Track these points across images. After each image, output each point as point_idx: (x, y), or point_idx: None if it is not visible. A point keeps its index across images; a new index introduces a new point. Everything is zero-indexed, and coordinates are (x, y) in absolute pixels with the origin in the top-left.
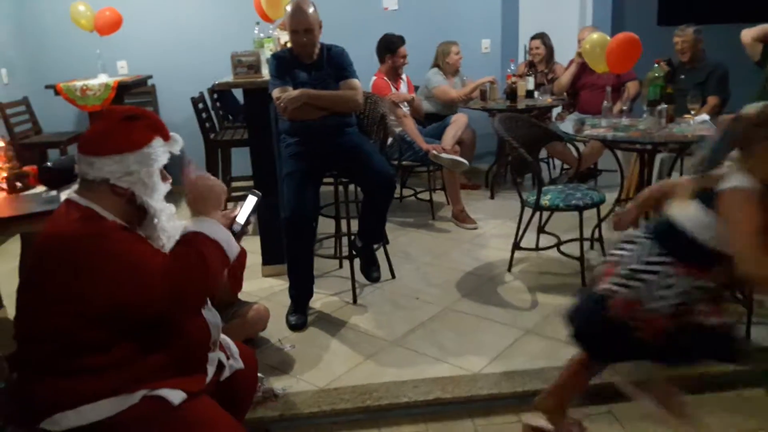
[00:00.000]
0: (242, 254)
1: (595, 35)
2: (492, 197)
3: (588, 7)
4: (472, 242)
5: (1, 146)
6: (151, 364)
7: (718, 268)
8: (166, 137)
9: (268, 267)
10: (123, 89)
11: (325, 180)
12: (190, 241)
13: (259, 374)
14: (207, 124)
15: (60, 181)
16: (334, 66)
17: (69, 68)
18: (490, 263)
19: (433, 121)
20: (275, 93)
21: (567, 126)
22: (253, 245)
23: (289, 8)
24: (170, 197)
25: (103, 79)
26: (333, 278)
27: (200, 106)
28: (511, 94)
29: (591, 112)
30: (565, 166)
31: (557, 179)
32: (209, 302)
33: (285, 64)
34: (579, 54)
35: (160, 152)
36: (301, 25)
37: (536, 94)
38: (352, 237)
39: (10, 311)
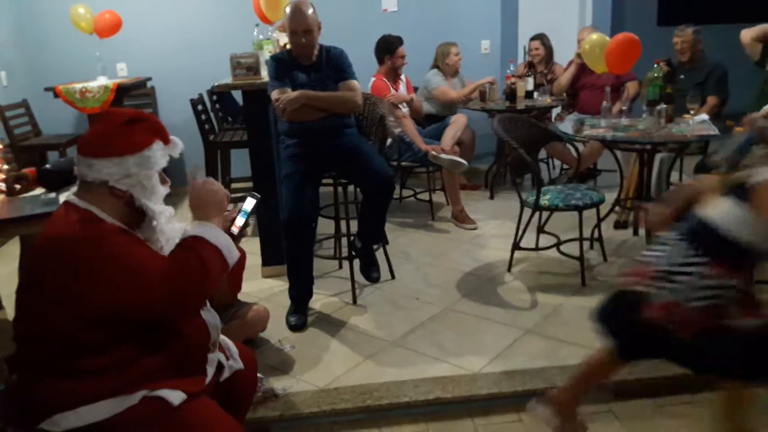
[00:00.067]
0: (242, 255)
1: (595, 36)
2: (491, 197)
3: (587, 8)
4: (471, 242)
5: (0, 148)
6: (150, 365)
7: (752, 266)
8: (166, 141)
9: (268, 268)
10: (122, 91)
11: (325, 181)
12: (190, 244)
13: (258, 374)
14: (206, 126)
15: (59, 183)
16: (333, 67)
17: (68, 70)
18: (489, 263)
19: (433, 121)
20: (274, 94)
21: (566, 126)
22: (252, 246)
23: (288, 9)
24: (169, 199)
25: (102, 81)
26: (333, 279)
27: (199, 107)
28: (511, 94)
29: (590, 113)
30: (565, 167)
31: (557, 179)
32: (208, 303)
33: (284, 65)
34: (578, 55)
35: (159, 155)
36: (301, 26)
37: (536, 94)
38: (352, 238)
39: (10, 313)
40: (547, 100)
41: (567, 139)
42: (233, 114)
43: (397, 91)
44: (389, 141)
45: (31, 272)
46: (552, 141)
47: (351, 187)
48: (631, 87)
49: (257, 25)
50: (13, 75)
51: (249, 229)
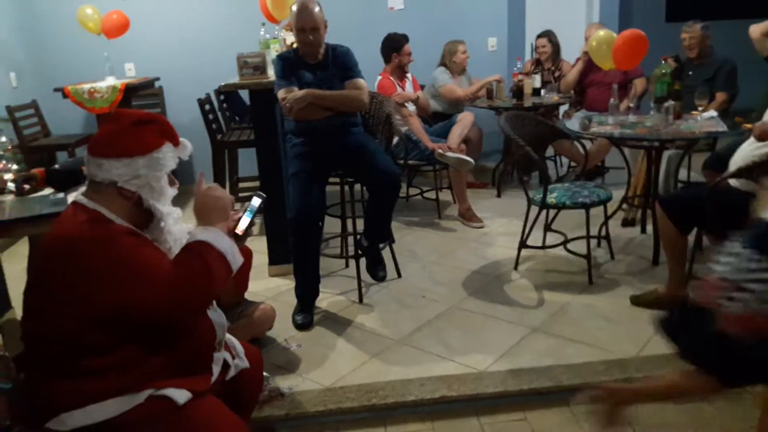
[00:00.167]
0: (248, 254)
1: (602, 32)
2: (498, 195)
3: (595, 5)
4: (478, 241)
5: (9, 149)
6: (156, 364)
7: None
8: (176, 143)
9: (275, 267)
10: (130, 91)
11: (331, 180)
12: (195, 249)
13: (264, 373)
14: (214, 125)
15: (67, 183)
16: (339, 66)
17: (77, 71)
18: (496, 261)
19: (440, 119)
20: (280, 94)
21: (574, 123)
22: (259, 245)
23: (294, 8)
24: (176, 198)
25: (110, 81)
26: (339, 278)
27: (207, 107)
28: (518, 92)
29: (598, 110)
30: (572, 164)
31: (564, 177)
32: (215, 303)
33: (290, 64)
34: (585, 52)
35: (169, 157)
36: (308, 24)
37: (543, 92)
38: (358, 236)
39: (19, 312)
40: (554, 97)
41: (574, 136)
42: (240, 113)
43: (403, 89)
44: (396, 139)
45: (38, 272)
46: (559, 138)
47: (357, 186)
48: (638, 84)
49: (264, 24)
50: (23, 76)
51: (255, 229)
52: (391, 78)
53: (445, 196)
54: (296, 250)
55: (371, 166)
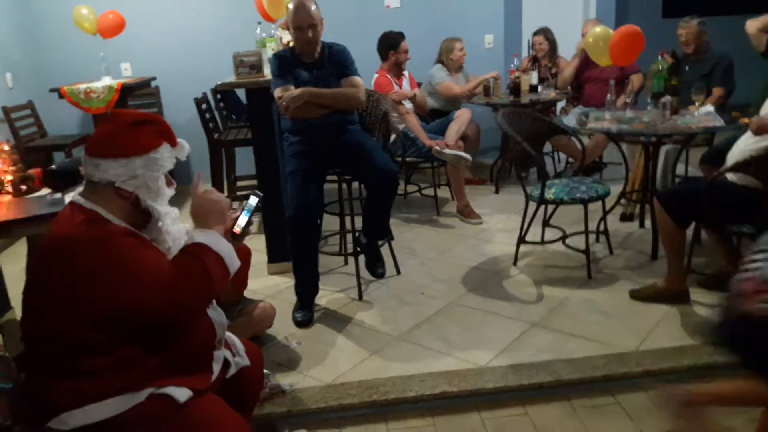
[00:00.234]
0: (247, 253)
1: (598, 28)
2: (497, 192)
3: (591, 1)
4: (477, 237)
5: (6, 149)
6: (156, 364)
7: None
8: (174, 143)
9: (274, 265)
10: (127, 91)
11: (329, 177)
12: (193, 251)
13: (265, 371)
14: (210, 125)
15: (64, 183)
16: (335, 64)
17: (73, 71)
18: (495, 257)
19: (437, 116)
20: (277, 92)
21: (571, 119)
22: (258, 243)
23: (291, 6)
24: (174, 198)
25: (106, 81)
26: (338, 275)
27: (204, 106)
28: (515, 89)
29: (595, 106)
30: (570, 160)
31: (562, 173)
32: (214, 301)
33: (286, 63)
34: (582, 50)
35: (166, 158)
36: (306, 21)
37: (540, 88)
38: (357, 234)
39: (18, 313)
40: (551, 93)
41: (572, 132)
42: (237, 112)
43: (400, 86)
44: (393, 137)
45: (36, 272)
46: (556, 134)
47: (355, 184)
48: (635, 79)
49: (260, 23)
50: (19, 77)
51: (254, 227)
52: (388, 76)
53: (444, 192)
54: (295, 248)
55: (369, 163)
